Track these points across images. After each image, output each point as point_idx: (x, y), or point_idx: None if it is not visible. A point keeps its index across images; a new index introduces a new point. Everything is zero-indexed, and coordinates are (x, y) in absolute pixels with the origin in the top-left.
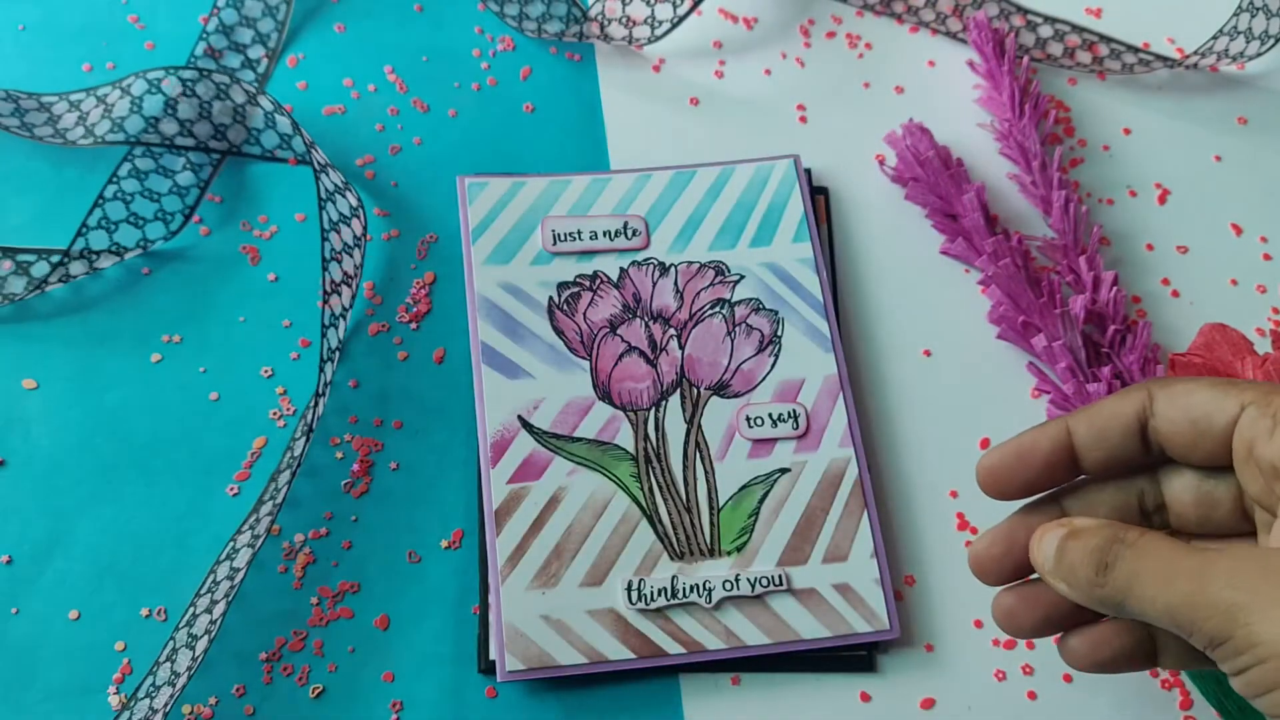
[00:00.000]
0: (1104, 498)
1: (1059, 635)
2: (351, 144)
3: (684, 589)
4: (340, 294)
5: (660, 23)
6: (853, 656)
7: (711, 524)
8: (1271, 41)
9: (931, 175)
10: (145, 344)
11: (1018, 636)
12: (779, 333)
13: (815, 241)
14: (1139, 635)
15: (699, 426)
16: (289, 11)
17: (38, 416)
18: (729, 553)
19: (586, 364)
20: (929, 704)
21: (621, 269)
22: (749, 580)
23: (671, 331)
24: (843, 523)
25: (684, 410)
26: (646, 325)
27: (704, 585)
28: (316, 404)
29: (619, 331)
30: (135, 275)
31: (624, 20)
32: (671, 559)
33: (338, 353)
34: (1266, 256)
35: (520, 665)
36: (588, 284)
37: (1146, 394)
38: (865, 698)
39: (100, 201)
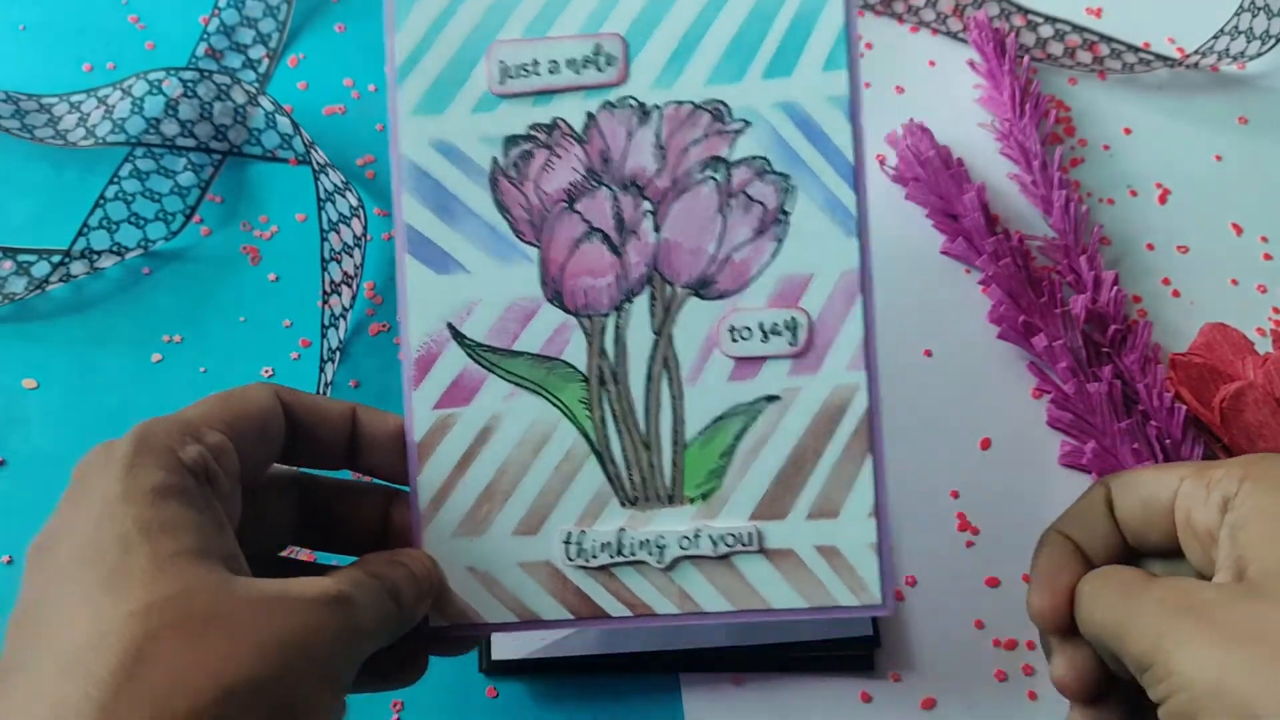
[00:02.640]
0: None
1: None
2: (352, 144)
3: (632, 545)
4: (340, 294)
5: None
6: (853, 656)
7: (674, 464)
8: (1272, 41)
9: (932, 175)
10: (146, 344)
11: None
12: (787, 207)
13: (854, 72)
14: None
15: (669, 338)
16: (290, 12)
17: (38, 416)
18: (692, 500)
19: (535, 253)
20: (929, 704)
21: (589, 114)
22: (711, 537)
23: (646, 205)
24: (839, 469)
25: (652, 316)
26: (614, 197)
27: (657, 541)
28: None
29: (578, 206)
30: (136, 275)
31: None
32: (622, 505)
33: (339, 353)
34: (1267, 256)
35: (441, 621)
36: (543, 138)
37: (1106, 487)
38: (866, 698)
39: (101, 201)
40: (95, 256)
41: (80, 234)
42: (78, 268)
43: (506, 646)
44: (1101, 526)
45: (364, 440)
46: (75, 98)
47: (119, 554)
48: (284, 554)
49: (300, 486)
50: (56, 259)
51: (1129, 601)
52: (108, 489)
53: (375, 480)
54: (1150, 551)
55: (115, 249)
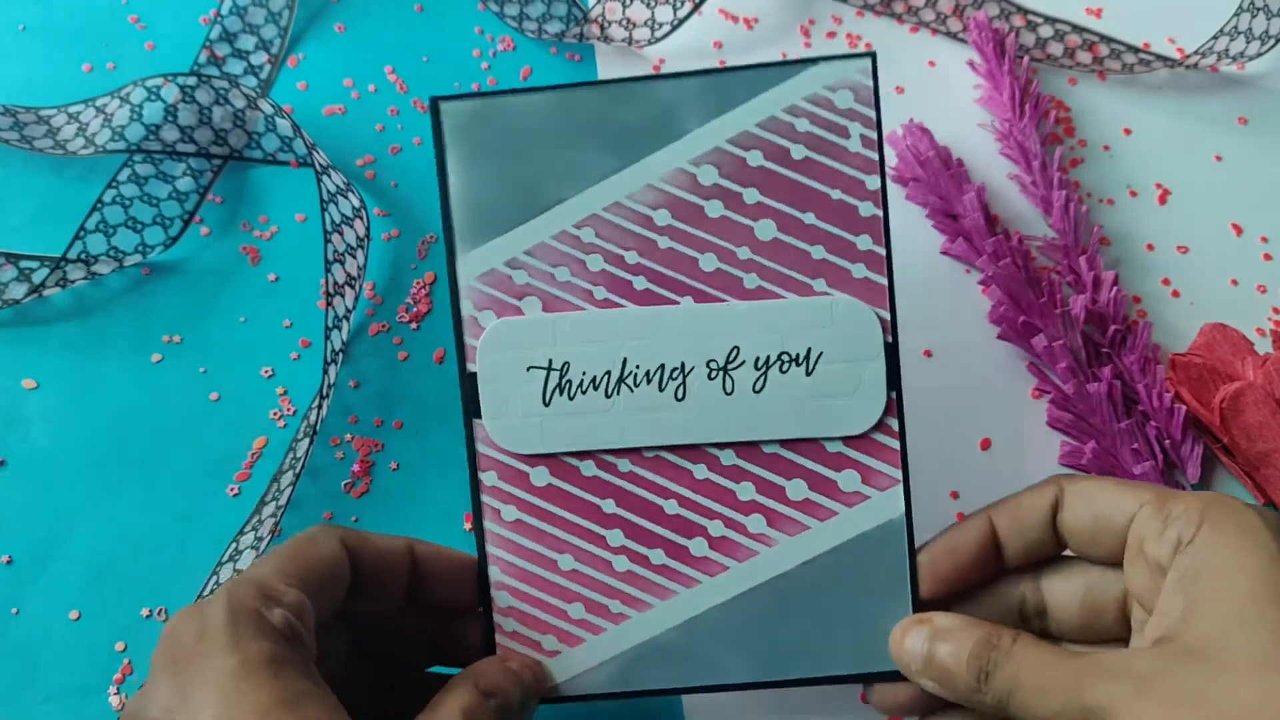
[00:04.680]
0: (987, 604)
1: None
2: (352, 144)
3: None
4: (344, 295)
5: (660, 24)
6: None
7: None
8: (1272, 42)
9: (932, 175)
10: (145, 344)
11: (891, 714)
12: None
13: None
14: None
15: None
16: (291, 17)
17: (38, 416)
18: None
19: None
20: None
21: None
22: None
23: None
24: None
25: None
26: None
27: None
28: (320, 405)
29: None
30: (135, 276)
31: (624, 21)
32: None
33: (341, 354)
34: (1267, 256)
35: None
36: None
37: (1058, 488)
38: (865, 698)
39: (99, 206)
40: (93, 261)
41: (76, 238)
42: (75, 273)
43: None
44: (1036, 528)
45: (424, 576)
46: (74, 108)
47: None
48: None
49: (351, 617)
50: (53, 265)
51: (1067, 689)
52: (223, 664)
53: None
54: (1070, 572)
55: (112, 254)
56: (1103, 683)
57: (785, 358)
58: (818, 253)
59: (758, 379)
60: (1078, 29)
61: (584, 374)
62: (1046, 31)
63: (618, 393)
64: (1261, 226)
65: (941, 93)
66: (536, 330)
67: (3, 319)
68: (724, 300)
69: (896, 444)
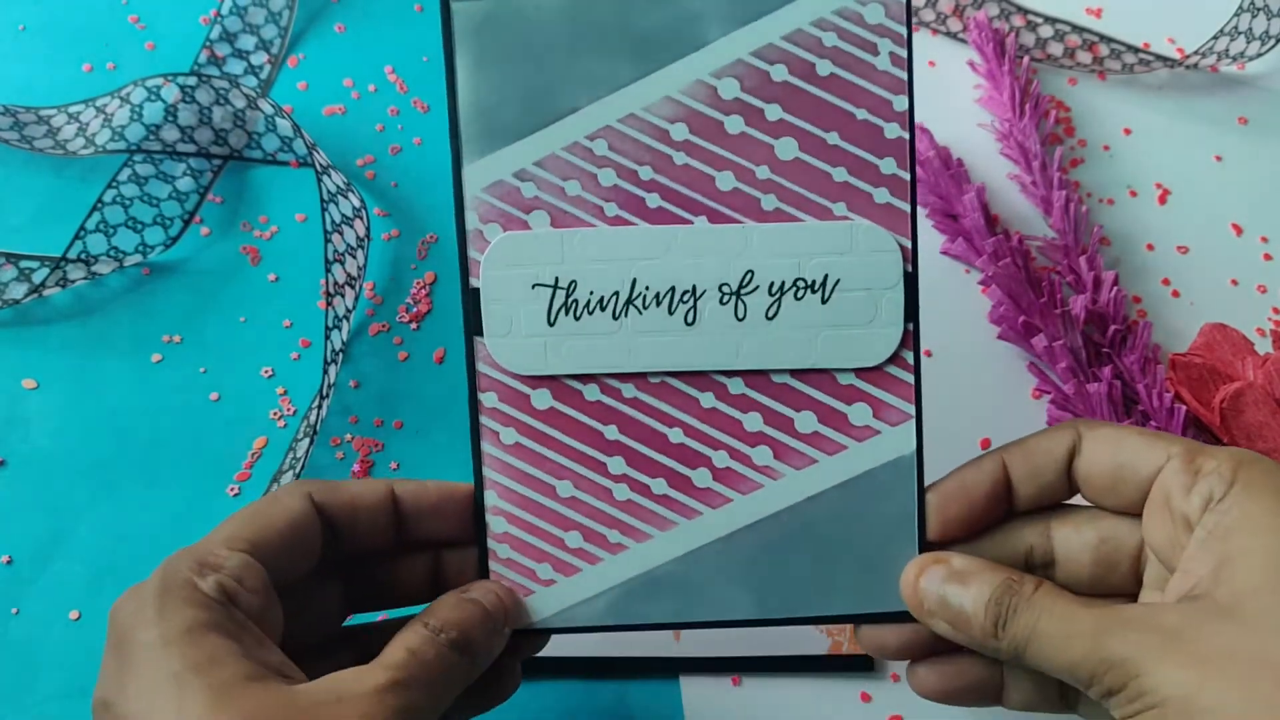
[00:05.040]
0: (991, 551)
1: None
2: (352, 144)
3: None
4: (344, 295)
5: None
6: (853, 656)
7: None
8: (1272, 42)
9: (932, 175)
10: (145, 344)
11: (878, 656)
12: None
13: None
14: (989, 673)
15: None
16: (291, 17)
17: (38, 416)
18: None
19: None
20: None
21: None
22: None
23: None
24: None
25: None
26: None
27: None
28: (320, 406)
29: None
30: (135, 276)
31: None
32: None
33: (341, 354)
34: (1267, 256)
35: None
36: None
37: (1076, 433)
38: (865, 698)
39: (99, 206)
40: (93, 261)
41: (77, 238)
42: (76, 273)
43: None
44: (1051, 471)
45: (408, 515)
46: (74, 108)
47: (177, 694)
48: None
49: (340, 563)
50: (53, 265)
51: (1090, 639)
52: (146, 636)
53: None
54: (1082, 524)
55: (112, 254)
56: (1130, 634)
57: (801, 284)
58: (839, 175)
59: (771, 305)
60: (1078, 29)
61: (591, 294)
62: (1046, 31)
63: (625, 315)
64: (1261, 226)
65: (941, 93)
66: (544, 246)
67: (3, 319)
68: (740, 221)
69: (910, 378)
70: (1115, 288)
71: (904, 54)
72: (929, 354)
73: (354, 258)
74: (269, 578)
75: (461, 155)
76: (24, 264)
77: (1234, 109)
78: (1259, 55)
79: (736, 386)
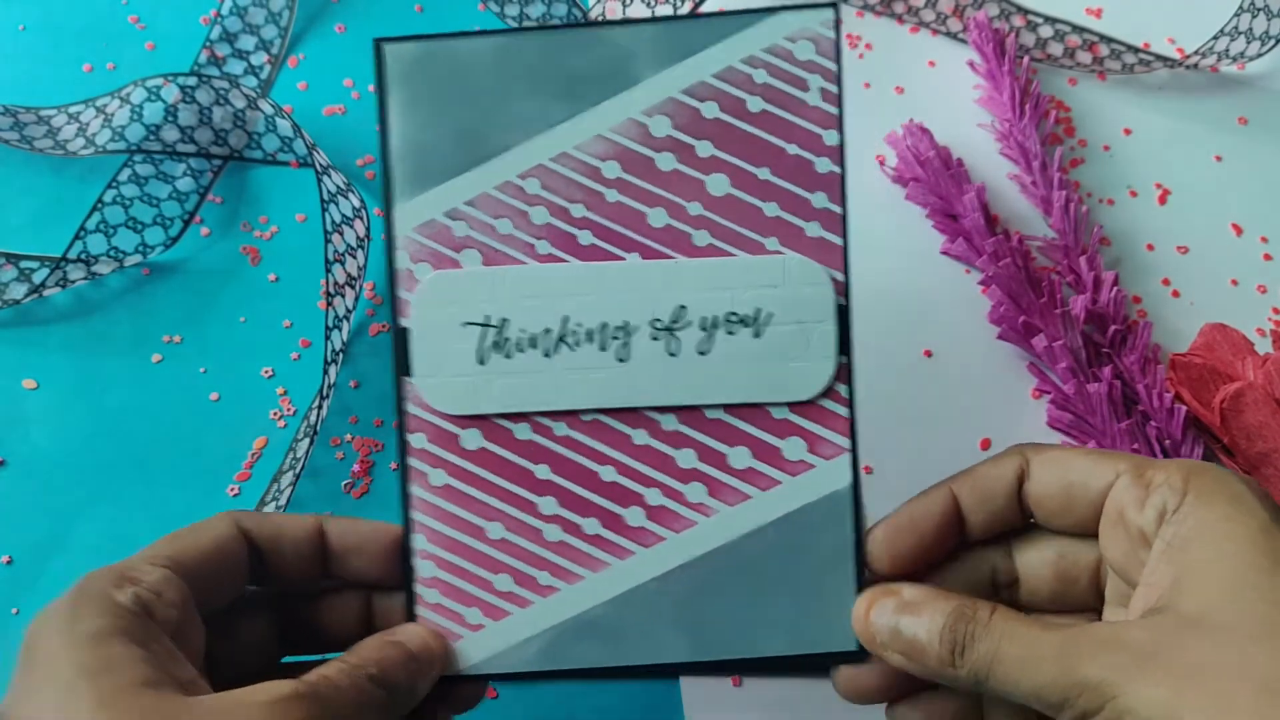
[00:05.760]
0: (957, 575)
1: (887, 705)
2: (352, 144)
3: None
4: (344, 296)
5: None
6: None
7: None
8: (1272, 42)
9: (932, 175)
10: (145, 344)
11: (857, 702)
12: None
13: None
14: (969, 705)
15: None
16: (292, 17)
17: (38, 417)
18: None
19: None
20: None
21: None
22: None
23: None
24: None
25: None
26: None
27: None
28: (321, 406)
29: None
30: (135, 276)
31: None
32: None
33: (341, 354)
34: (1267, 257)
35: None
36: None
37: (1023, 458)
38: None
39: (99, 206)
40: (93, 261)
41: (77, 238)
42: (76, 273)
43: None
44: (1000, 497)
45: (335, 552)
46: (74, 108)
47: (66, 698)
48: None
49: (271, 599)
50: (53, 265)
51: (1058, 661)
52: (50, 643)
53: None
54: (1041, 539)
55: (113, 254)
56: (1101, 654)
57: (733, 318)
58: (771, 210)
59: (703, 340)
60: (1078, 29)
61: (522, 331)
62: (1046, 31)
63: (557, 352)
64: (1261, 226)
65: (941, 93)
66: (474, 284)
67: (3, 319)
68: (672, 257)
69: (846, 411)
70: (1115, 288)
71: (834, 89)
72: (929, 354)
73: (354, 258)
74: (192, 596)
75: (393, 195)
76: (24, 264)
77: (1234, 109)
78: (1259, 55)
79: (669, 423)
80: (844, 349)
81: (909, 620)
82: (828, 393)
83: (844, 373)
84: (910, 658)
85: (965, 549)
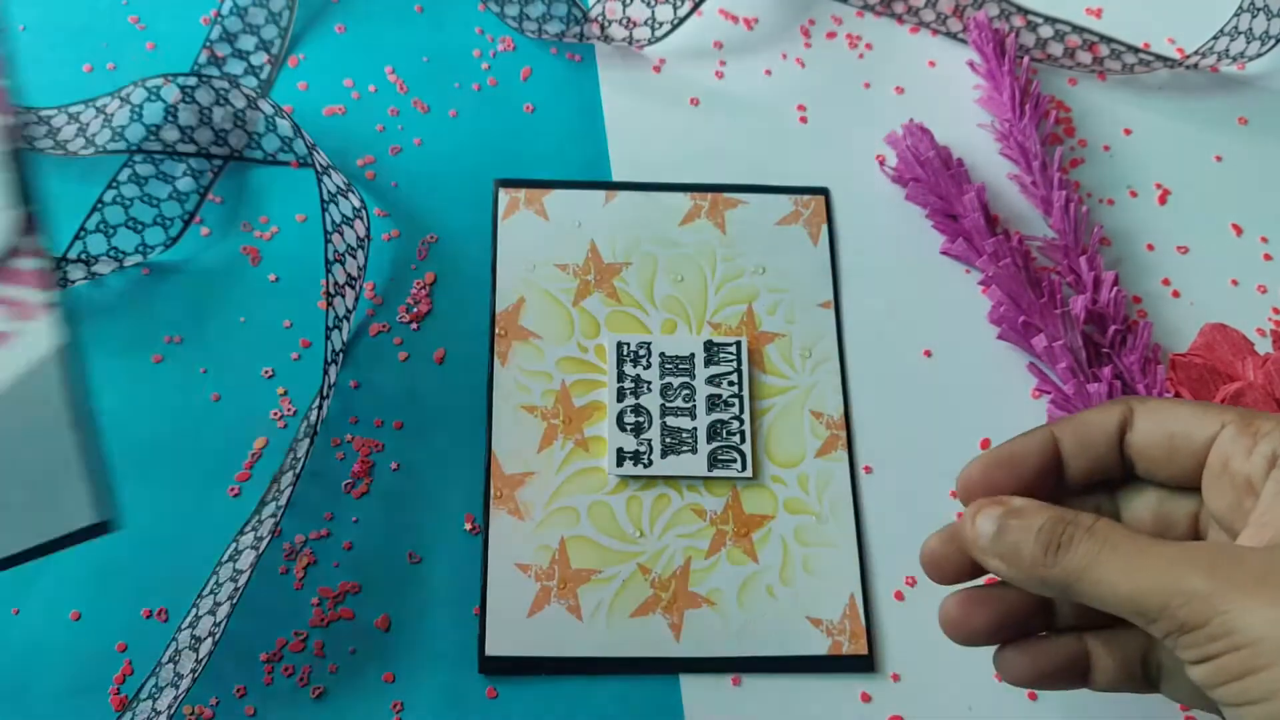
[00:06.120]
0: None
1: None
2: (352, 144)
3: None
4: (344, 296)
5: (661, 24)
6: (853, 656)
7: None
8: (1272, 42)
9: (932, 175)
10: (145, 344)
11: (965, 643)
12: None
13: None
14: (1076, 652)
15: None
16: (292, 18)
17: None
18: None
19: None
20: (929, 704)
21: None
22: None
23: None
24: None
25: None
26: None
27: None
28: (321, 406)
29: None
30: (135, 276)
31: (624, 21)
32: None
33: (341, 354)
34: (1267, 257)
35: None
36: None
37: (1127, 408)
38: (866, 698)
39: (99, 206)
40: (93, 261)
41: (77, 238)
42: (76, 273)
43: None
44: (1102, 445)
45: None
46: (74, 108)
47: None
48: None
49: None
50: (53, 265)
51: (1163, 568)
52: None
53: None
54: (1159, 483)
55: (112, 254)
56: (1216, 568)
57: None
58: None
59: None
60: (1078, 29)
61: None
62: (1046, 31)
63: None
64: (1261, 226)
65: (941, 93)
66: None
67: None
68: None
69: (39, 265)
70: (1115, 288)
71: None
72: (929, 354)
73: (354, 258)
74: None
75: None
76: None
77: (1234, 109)
78: (1259, 55)
79: None
80: (27, 199)
81: (1014, 523)
82: (19, 251)
83: (32, 224)
84: (1007, 561)
85: (1066, 495)
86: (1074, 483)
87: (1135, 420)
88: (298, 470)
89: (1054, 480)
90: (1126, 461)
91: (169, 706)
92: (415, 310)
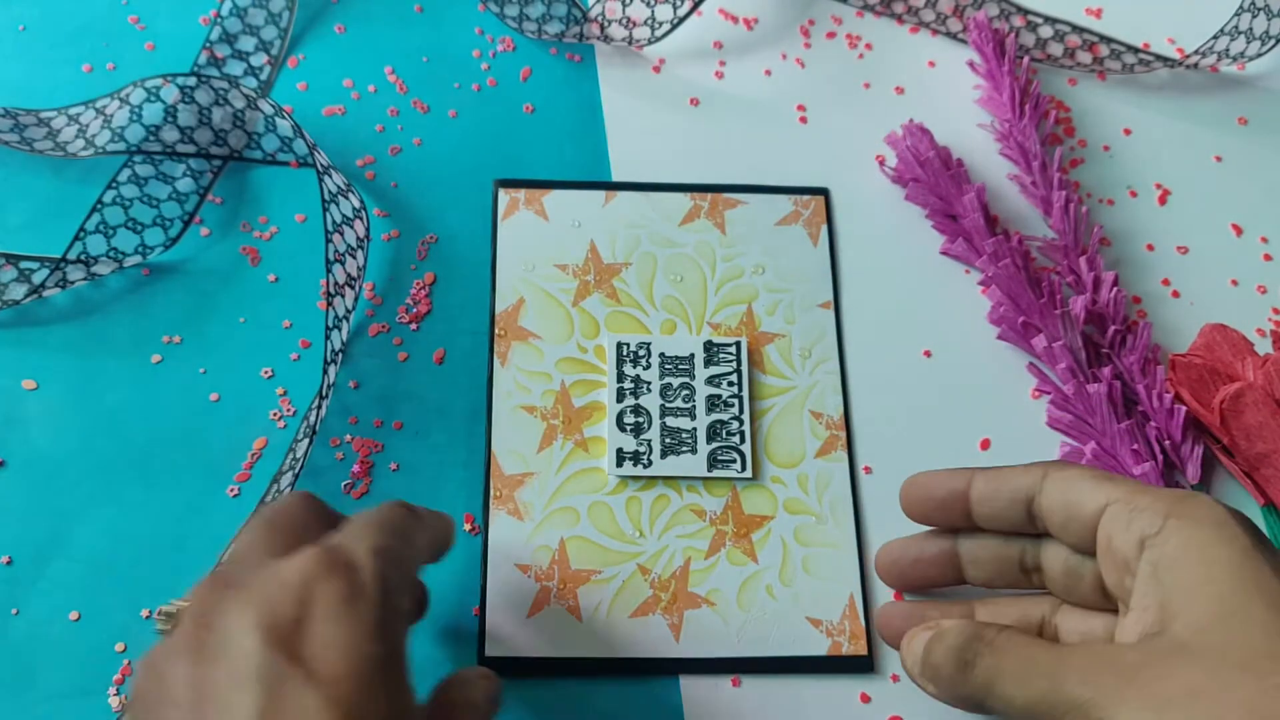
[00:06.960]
0: (993, 546)
1: None
2: (351, 145)
3: None
4: (344, 296)
5: (660, 24)
6: (853, 656)
7: None
8: (1272, 42)
9: (932, 176)
10: (145, 345)
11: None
12: None
13: None
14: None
15: None
16: (291, 18)
17: (38, 417)
18: None
19: None
20: (929, 705)
21: None
22: None
23: None
24: None
25: None
26: None
27: None
28: (320, 406)
29: None
30: (135, 276)
31: (624, 21)
32: None
33: (341, 355)
34: (1267, 257)
35: None
36: None
37: (1043, 472)
38: (865, 698)
39: (99, 207)
40: (93, 262)
41: (76, 238)
42: (75, 274)
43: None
44: (1005, 499)
45: None
46: (73, 110)
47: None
48: None
49: None
50: (53, 265)
51: (1048, 678)
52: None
53: None
54: (1069, 546)
55: (112, 255)
56: (1090, 674)
57: None
58: None
59: None
60: (1078, 29)
61: None
62: (1046, 31)
63: None
64: (1261, 226)
65: (941, 93)
66: None
67: (3, 319)
68: None
69: None
70: (1115, 288)
71: None
72: (929, 354)
73: (354, 258)
74: None
75: None
76: (24, 265)
77: (1234, 109)
78: (1259, 55)
79: None
80: None
81: (936, 646)
82: None
83: None
84: (933, 681)
85: (1000, 535)
86: (981, 524)
87: (1043, 485)
88: (297, 470)
89: (959, 513)
90: (1040, 521)
91: None
92: (415, 310)
